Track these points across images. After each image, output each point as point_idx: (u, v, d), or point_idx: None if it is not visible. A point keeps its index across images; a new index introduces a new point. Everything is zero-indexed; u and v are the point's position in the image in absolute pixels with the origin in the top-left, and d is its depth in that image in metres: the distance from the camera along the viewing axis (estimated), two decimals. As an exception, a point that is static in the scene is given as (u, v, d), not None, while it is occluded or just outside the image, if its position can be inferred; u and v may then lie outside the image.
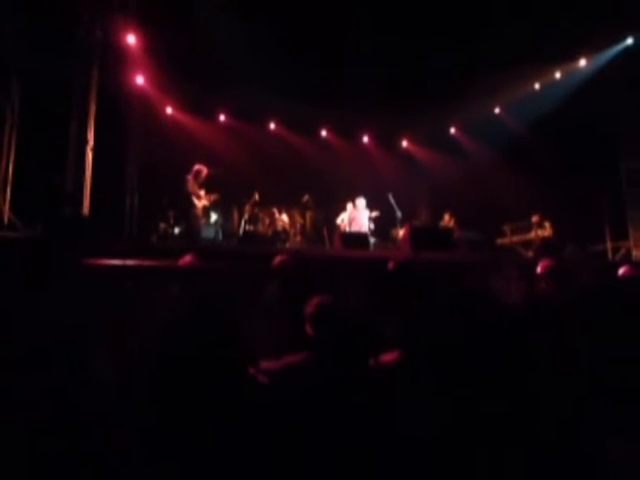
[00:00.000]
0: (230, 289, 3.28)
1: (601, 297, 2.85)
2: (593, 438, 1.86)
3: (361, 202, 9.81)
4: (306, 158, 11.66)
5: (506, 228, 9.99)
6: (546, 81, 10.50)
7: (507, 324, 2.10)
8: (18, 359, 2.34)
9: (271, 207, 10.04)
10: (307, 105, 10.38)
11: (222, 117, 11.50)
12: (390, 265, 3.94)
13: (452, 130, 13.02)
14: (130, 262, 4.03)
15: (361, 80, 9.53)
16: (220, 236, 9.30)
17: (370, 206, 9.78)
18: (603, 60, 9.52)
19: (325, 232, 10.23)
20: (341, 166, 11.96)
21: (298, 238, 10.13)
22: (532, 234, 9.52)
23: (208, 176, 8.51)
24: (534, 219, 9.53)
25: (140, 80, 9.50)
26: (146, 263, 4.18)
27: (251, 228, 9.64)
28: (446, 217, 10.41)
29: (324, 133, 12.61)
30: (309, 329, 2.60)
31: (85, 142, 7.39)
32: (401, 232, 8.75)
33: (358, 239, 8.49)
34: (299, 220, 10.42)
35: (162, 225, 8.91)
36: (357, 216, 9.78)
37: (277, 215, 9.99)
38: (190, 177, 8.32)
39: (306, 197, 10.34)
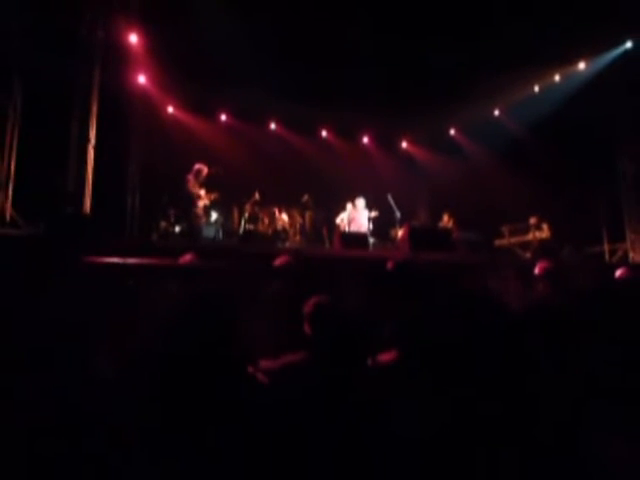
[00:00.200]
0: (230, 288, 3.31)
1: (598, 299, 2.88)
2: (590, 439, 1.87)
3: (360, 202, 9.82)
4: (306, 158, 11.67)
5: (504, 229, 10.00)
6: (545, 84, 10.51)
7: (505, 325, 2.10)
8: (18, 357, 2.36)
9: (271, 207, 10.05)
10: (307, 105, 10.39)
11: (223, 117, 11.52)
12: (389, 265, 3.96)
13: (452, 131, 13.04)
14: (131, 260, 4.05)
15: (361, 81, 9.54)
16: (220, 235, 9.32)
17: (369, 206, 9.78)
18: (602, 63, 9.53)
19: (324, 232, 10.26)
20: (341, 166, 11.97)
21: (298, 238, 10.15)
22: (530, 236, 9.54)
23: (209, 175, 8.52)
24: (532, 221, 9.54)
25: (142, 79, 9.53)
26: (147, 261, 4.21)
27: (251, 227, 9.66)
28: (445, 218, 10.42)
29: (324, 133, 12.62)
30: (307, 329, 2.61)
31: (87, 141, 7.42)
32: (400, 232, 8.78)
33: (357, 239, 8.52)
34: (299, 220, 10.44)
35: (163, 224, 8.92)
36: (356, 216, 9.79)
37: (277, 215, 10.01)
38: (191, 176, 8.33)
39: (306, 197, 10.36)
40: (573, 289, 4.22)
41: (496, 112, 11.70)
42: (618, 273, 4.82)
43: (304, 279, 3.86)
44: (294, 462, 1.85)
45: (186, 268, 3.92)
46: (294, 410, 1.96)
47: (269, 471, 1.82)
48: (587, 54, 9.64)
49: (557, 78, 10.33)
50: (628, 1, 7.82)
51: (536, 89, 10.70)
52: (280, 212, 10.07)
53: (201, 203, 8.39)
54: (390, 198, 9.31)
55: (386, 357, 2.34)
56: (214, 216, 9.28)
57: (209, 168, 8.52)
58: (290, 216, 10.26)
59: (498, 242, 10.08)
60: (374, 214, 9.68)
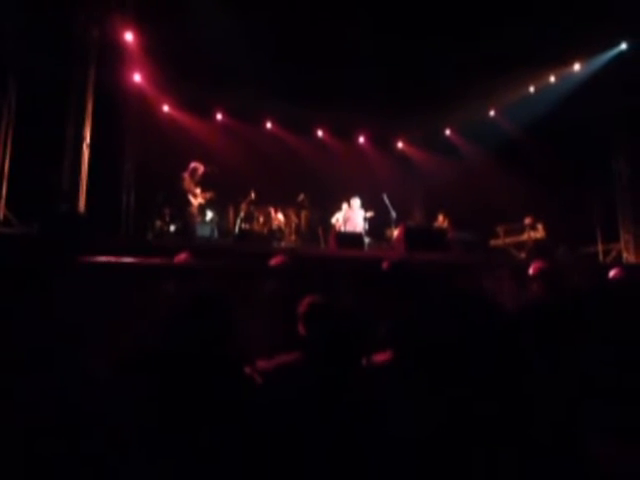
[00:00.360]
0: (225, 287, 3.31)
1: (592, 299, 2.89)
2: (586, 439, 1.88)
3: (356, 202, 9.83)
4: (302, 158, 11.67)
5: (499, 229, 10.03)
6: (541, 84, 10.55)
7: (499, 325, 2.10)
8: (12, 357, 2.35)
9: (267, 206, 10.05)
10: (303, 105, 10.37)
11: (219, 116, 11.49)
12: (384, 265, 3.97)
13: (447, 132, 13.06)
14: (126, 259, 4.04)
15: (357, 81, 9.53)
16: (216, 234, 9.31)
17: (365, 206, 9.80)
18: (597, 64, 9.58)
19: (320, 231, 10.26)
20: (337, 166, 11.97)
21: (293, 237, 10.16)
22: (525, 236, 9.57)
23: (204, 174, 8.50)
24: (527, 221, 9.58)
25: (137, 78, 9.49)
26: (142, 261, 4.19)
27: (246, 226, 9.66)
28: (440, 218, 10.44)
29: (320, 133, 12.62)
30: (301, 329, 2.61)
31: (81, 139, 7.40)
32: (395, 232, 8.80)
33: (353, 239, 8.53)
34: (294, 219, 10.45)
35: (158, 223, 8.90)
36: (352, 216, 9.80)
37: (273, 214, 10.01)
38: (186, 175, 8.31)
39: (301, 196, 10.37)
40: (567, 289, 4.24)
41: (491, 112, 11.72)
42: (612, 273, 4.86)
43: (299, 279, 3.86)
44: (289, 462, 1.85)
45: (181, 267, 3.91)
46: (289, 410, 1.95)
47: (264, 471, 1.82)
48: (582, 55, 9.67)
49: (552, 79, 10.36)
50: (623, 3, 7.85)
51: (531, 90, 10.72)
52: (276, 211, 10.07)
53: (196, 202, 8.37)
54: (385, 198, 9.32)
55: (381, 357, 2.33)
56: (209, 215, 9.27)
57: (205, 167, 8.50)
58: (286, 215, 10.27)
59: (493, 242, 10.11)
60: (369, 214, 9.70)
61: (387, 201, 9.31)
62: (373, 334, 2.63)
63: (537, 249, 8.99)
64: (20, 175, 7.06)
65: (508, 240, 9.86)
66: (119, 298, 3.39)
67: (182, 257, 3.95)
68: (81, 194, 7.26)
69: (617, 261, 9.34)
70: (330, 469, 1.87)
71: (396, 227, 9.05)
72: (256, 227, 9.76)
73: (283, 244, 9.47)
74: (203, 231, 8.87)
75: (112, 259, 3.94)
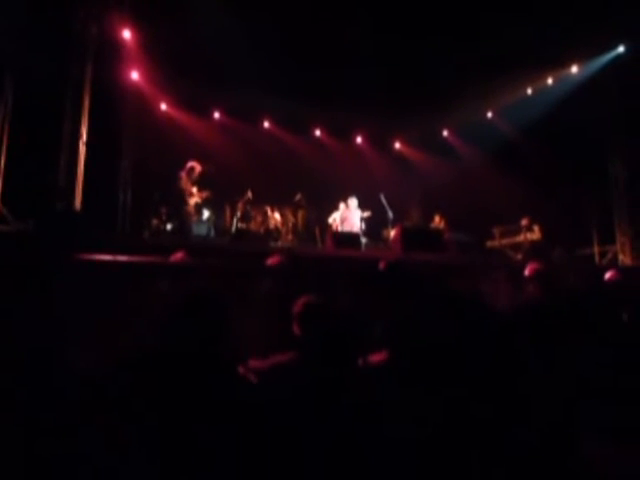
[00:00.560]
0: (221, 287, 3.30)
1: (588, 300, 2.90)
2: (581, 439, 1.88)
3: (353, 202, 9.84)
4: (299, 157, 11.68)
5: (495, 231, 10.04)
6: (538, 86, 10.58)
7: (495, 325, 2.11)
8: (7, 355, 2.34)
9: (264, 205, 10.04)
10: (301, 104, 10.37)
11: (217, 114, 11.48)
12: (381, 265, 3.97)
13: (445, 133, 13.10)
14: (122, 258, 4.02)
15: (355, 81, 9.53)
16: (212, 233, 9.29)
17: (362, 206, 9.81)
18: (594, 67, 9.62)
19: (317, 231, 10.26)
20: (334, 166, 11.98)
21: (290, 237, 10.14)
22: (521, 237, 9.58)
23: (201, 173, 8.50)
24: (523, 222, 9.59)
25: (135, 76, 9.48)
26: (138, 259, 4.18)
27: (243, 226, 9.64)
28: (436, 218, 10.44)
29: (318, 133, 12.62)
30: (296, 328, 2.61)
31: (78, 137, 7.37)
32: (392, 233, 8.80)
33: (350, 239, 8.53)
34: (291, 219, 10.43)
35: (154, 221, 8.88)
36: (349, 216, 9.80)
37: (269, 213, 9.99)
38: (183, 174, 8.30)
39: (299, 196, 10.36)
40: (563, 290, 4.26)
41: (489, 114, 11.75)
42: (607, 275, 4.88)
43: (296, 278, 3.86)
44: (285, 462, 1.84)
45: (177, 266, 3.91)
46: (283, 410, 1.95)
47: (260, 471, 1.81)
48: (580, 57, 9.71)
49: (550, 81, 10.39)
50: (620, 6, 7.87)
51: (529, 92, 10.75)
52: (272, 211, 10.06)
53: (193, 201, 8.37)
54: (383, 198, 9.32)
55: (377, 357, 2.32)
56: (206, 214, 9.25)
57: (202, 166, 8.50)
58: (282, 215, 10.25)
59: (489, 243, 10.12)
60: (366, 214, 9.70)
61: (384, 201, 9.32)
62: (369, 334, 2.63)
63: (533, 250, 9.00)
64: (16, 172, 7.03)
65: (504, 241, 9.87)
66: (114, 296, 3.38)
67: (178, 256, 3.95)
68: (77, 192, 7.23)
69: (613, 263, 9.36)
70: (325, 470, 1.87)
71: (393, 227, 9.05)
72: (253, 226, 9.75)
73: (280, 244, 9.46)
74: (199, 230, 8.85)
75: (108, 257, 3.93)
